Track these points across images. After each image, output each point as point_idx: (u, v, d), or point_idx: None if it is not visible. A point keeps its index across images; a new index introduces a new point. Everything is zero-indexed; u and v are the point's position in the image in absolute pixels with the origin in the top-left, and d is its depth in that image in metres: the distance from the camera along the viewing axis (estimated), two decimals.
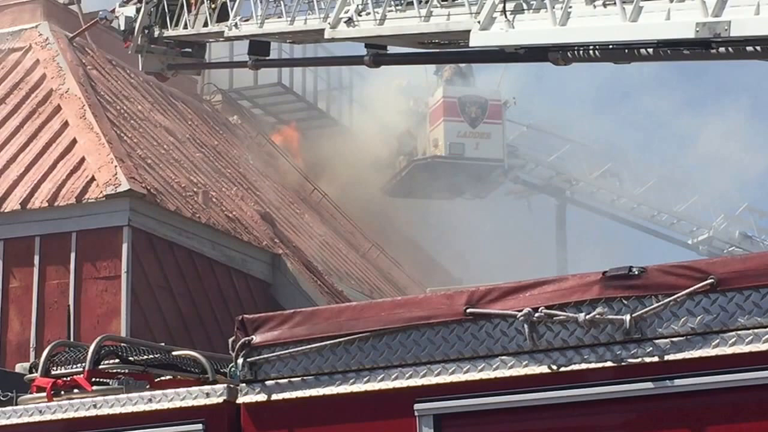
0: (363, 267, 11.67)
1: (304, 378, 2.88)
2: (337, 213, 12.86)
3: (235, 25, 8.14)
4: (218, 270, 8.97)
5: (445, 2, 6.31)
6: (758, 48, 4.77)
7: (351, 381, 2.82)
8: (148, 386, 3.32)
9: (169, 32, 9.09)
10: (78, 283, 7.94)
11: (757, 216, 16.88)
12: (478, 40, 5.96)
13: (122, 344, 3.47)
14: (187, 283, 8.58)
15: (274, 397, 2.90)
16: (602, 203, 16.55)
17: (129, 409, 3.04)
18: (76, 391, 3.27)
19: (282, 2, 7.72)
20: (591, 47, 5.62)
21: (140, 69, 9.74)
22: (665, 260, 2.71)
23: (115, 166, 8.34)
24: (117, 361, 3.35)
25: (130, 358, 3.37)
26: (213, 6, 8.48)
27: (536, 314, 2.67)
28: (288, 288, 9.38)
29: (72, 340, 4.67)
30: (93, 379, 3.28)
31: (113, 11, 9.63)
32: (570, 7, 5.46)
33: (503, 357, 2.70)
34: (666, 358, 2.58)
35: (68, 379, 3.31)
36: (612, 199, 16.52)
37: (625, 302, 2.63)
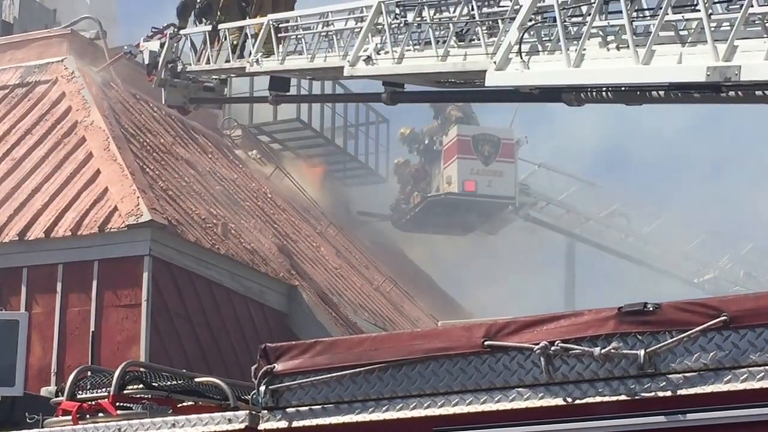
0: (376, 299, 11.69)
1: (325, 406, 2.93)
2: (352, 246, 12.94)
3: (257, 61, 8.29)
4: (236, 300, 8.98)
5: (462, 42, 6.43)
6: (766, 92, 4.88)
7: (370, 410, 2.87)
8: (171, 411, 3.39)
9: (192, 67, 9.32)
10: (99, 311, 7.99)
11: (762, 256, 16.88)
12: (493, 80, 6.07)
13: (146, 370, 3.56)
14: (205, 312, 8.59)
15: (295, 424, 2.95)
16: (611, 242, 16.53)
17: None
18: (101, 415, 3.35)
19: (303, 40, 7.92)
20: (604, 89, 5.74)
21: (163, 102, 9.85)
22: (671, 298, 2.75)
23: (138, 197, 8.41)
24: (141, 386, 3.43)
25: (154, 384, 3.44)
26: (235, 42, 8.71)
27: (552, 348, 2.73)
28: (303, 319, 9.41)
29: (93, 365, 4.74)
30: (117, 404, 3.36)
31: (138, 46, 9.83)
32: (584, 49, 5.57)
33: (519, 389, 2.75)
34: (679, 392, 2.63)
35: (93, 403, 3.39)
36: (620, 237, 16.52)
37: (640, 337, 2.68)
